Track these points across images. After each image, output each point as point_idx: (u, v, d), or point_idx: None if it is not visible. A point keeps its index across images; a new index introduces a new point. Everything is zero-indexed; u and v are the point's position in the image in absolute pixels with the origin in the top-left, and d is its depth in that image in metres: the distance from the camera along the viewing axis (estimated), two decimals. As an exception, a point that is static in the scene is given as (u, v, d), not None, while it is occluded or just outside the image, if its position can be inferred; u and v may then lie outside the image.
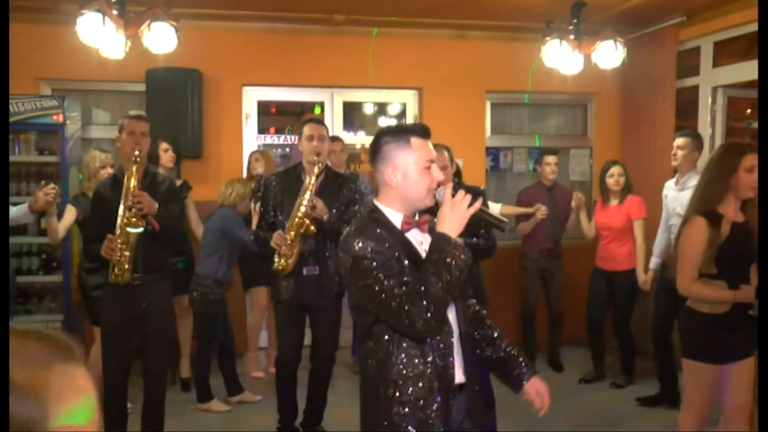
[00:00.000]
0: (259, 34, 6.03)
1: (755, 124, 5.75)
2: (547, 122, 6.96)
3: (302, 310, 4.05)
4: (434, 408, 2.08)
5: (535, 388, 2.33)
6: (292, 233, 3.82)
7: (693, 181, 4.25)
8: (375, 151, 2.20)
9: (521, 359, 2.35)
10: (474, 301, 2.38)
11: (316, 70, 6.11)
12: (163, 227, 3.62)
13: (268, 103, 6.58)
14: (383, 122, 7.04)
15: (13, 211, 3.99)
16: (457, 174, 4.76)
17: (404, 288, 2.01)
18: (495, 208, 5.39)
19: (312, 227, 3.79)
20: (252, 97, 6.30)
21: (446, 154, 3.83)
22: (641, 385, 5.23)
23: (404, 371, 2.08)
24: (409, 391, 2.08)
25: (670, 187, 4.79)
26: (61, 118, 5.21)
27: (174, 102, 5.56)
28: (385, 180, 2.17)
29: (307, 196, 3.80)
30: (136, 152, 3.55)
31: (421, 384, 2.08)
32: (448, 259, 1.99)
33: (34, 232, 5.32)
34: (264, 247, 3.98)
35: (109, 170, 4.47)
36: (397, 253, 2.06)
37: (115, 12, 4.40)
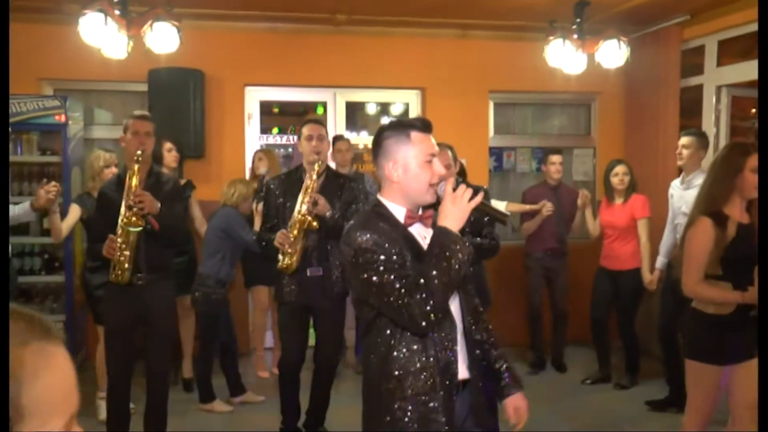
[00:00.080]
0: (261, 33, 6.02)
1: (760, 124, 5.71)
2: (550, 122, 6.94)
3: (306, 310, 4.04)
4: (437, 403, 2.07)
5: (514, 405, 2.31)
6: (295, 231, 3.82)
7: (698, 179, 4.23)
8: (376, 146, 2.21)
9: (507, 372, 2.34)
10: (477, 301, 2.36)
11: (318, 69, 6.10)
12: (166, 227, 3.61)
13: (270, 103, 6.57)
14: (386, 122, 7.03)
15: (15, 209, 3.99)
16: (462, 173, 4.74)
17: (404, 281, 2.00)
18: (500, 206, 5.37)
19: (314, 223, 3.79)
20: (254, 97, 6.29)
21: (449, 153, 3.82)
22: (646, 386, 5.20)
23: (406, 366, 2.07)
24: (411, 386, 2.07)
25: (675, 186, 4.77)
26: (63, 118, 5.21)
27: (176, 102, 5.56)
28: (386, 175, 2.17)
29: (309, 192, 3.80)
30: (139, 152, 3.55)
31: (423, 379, 2.07)
32: (449, 253, 1.99)
33: (37, 232, 5.32)
34: (268, 249, 3.97)
35: (114, 170, 4.48)
36: (399, 247, 2.06)
37: (117, 12, 4.40)
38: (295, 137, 6.26)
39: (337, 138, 5.74)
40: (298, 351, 4.07)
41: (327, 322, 4.08)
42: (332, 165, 5.63)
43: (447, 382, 2.09)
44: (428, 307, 1.97)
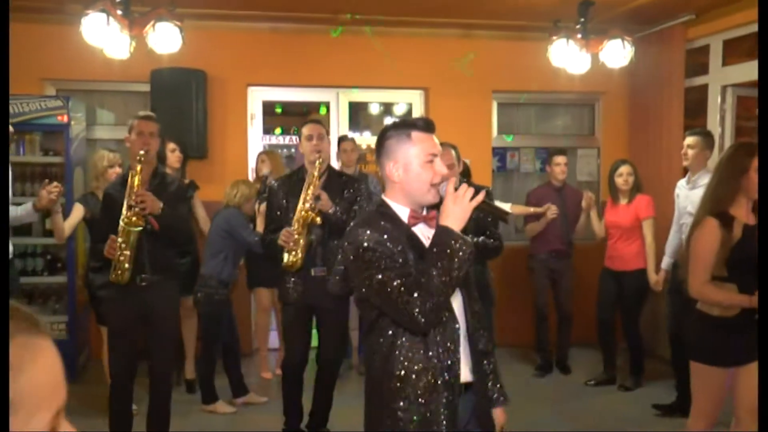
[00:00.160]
0: (264, 34, 6.01)
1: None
2: (554, 122, 6.91)
3: (309, 311, 4.03)
4: (438, 405, 2.07)
5: (495, 417, 2.30)
6: (298, 227, 3.82)
7: (704, 179, 4.20)
8: (379, 146, 2.21)
9: (495, 383, 2.32)
10: (479, 306, 2.34)
11: (321, 70, 6.08)
12: (168, 227, 3.61)
13: (273, 103, 6.56)
14: (389, 122, 7.02)
15: (18, 210, 3.99)
16: (466, 173, 4.73)
17: (405, 280, 2.00)
18: (505, 207, 5.34)
19: (317, 219, 3.80)
20: (257, 97, 6.28)
21: (453, 152, 3.81)
22: (650, 387, 5.18)
23: (408, 366, 2.07)
24: (413, 386, 2.06)
25: (681, 186, 4.75)
26: (65, 118, 5.20)
27: (179, 102, 5.55)
28: (387, 174, 2.17)
29: (311, 190, 3.81)
30: (141, 152, 3.55)
31: (425, 379, 2.06)
32: (450, 252, 1.98)
33: (39, 232, 5.32)
34: (272, 249, 3.97)
35: (117, 170, 4.49)
36: (401, 247, 2.06)
37: (119, 12, 4.39)
38: (298, 138, 6.29)
39: (343, 138, 5.74)
40: (301, 352, 4.07)
41: (331, 322, 4.06)
42: (337, 165, 5.64)
43: (449, 384, 2.08)
44: (428, 306, 1.97)
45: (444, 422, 2.07)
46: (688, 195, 4.58)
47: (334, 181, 4.01)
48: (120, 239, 3.51)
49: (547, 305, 5.69)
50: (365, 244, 2.03)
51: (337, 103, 6.44)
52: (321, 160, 3.87)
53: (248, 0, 5.43)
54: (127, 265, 3.55)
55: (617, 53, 5.07)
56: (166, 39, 4.51)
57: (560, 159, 5.60)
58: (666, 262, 4.91)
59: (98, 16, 4.25)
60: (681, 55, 5.75)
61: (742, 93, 5.65)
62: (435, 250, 2.01)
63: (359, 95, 6.56)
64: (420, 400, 2.06)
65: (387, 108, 6.97)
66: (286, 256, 3.87)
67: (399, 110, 6.90)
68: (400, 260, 2.04)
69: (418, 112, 6.51)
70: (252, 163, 6.00)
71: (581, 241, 5.79)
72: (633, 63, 5.20)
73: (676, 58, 5.76)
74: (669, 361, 5.12)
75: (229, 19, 5.84)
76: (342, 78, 6.17)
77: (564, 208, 5.49)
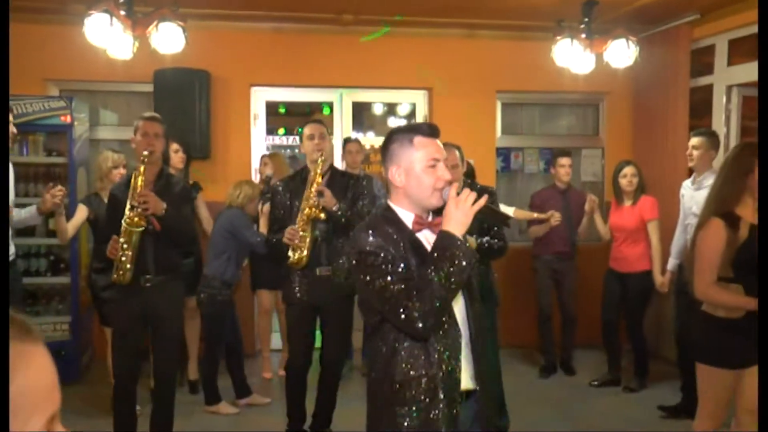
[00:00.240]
0: (267, 34, 6.00)
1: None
2: (558, 122, 6.89)
3: (314, 311, 4.03)
4: (437, 411, 2.07)
5: None
6: (303, 224, 3.83)
7: (709, 180, 4.18)
8: (384, 151, 2.23)
9: None
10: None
11: (324, 70, 6.07)
12: (170, 228, 3.60)
13: (276, 103, 6.55)
14: (393, 123, 7.00)
15: (21, 212, 3.99)
16: (470, 174, 4.71)
17: (405, 285, 2.01)
18: (508, 212, 5.32)
19: (321, 215, 3.81)
20: (260, 97, 6.27)
21: (457, 153, 3.81)
22: (655, 389, 5.16)
23: (408, 371, 2.08)
24: (413, 392, 2.07)
25: (686, 187, 4.72)
26: (68, 119, 5.20)
27: (182, 102, 5.54)
28: (390, 179, 2.19)
29: (314, 186, 3.83)
30: (145, 153, 3.55)
31: (424, 385, 2.07)
32: (450, 257, 1.99)
33: (42, 233, 5.32)
34: (277, 250, 3.96)
35: (122, 171, 4.49)
36: (404, 252, 2.07)
37: (122, 12, 4.38)
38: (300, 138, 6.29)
39: (348, 140, 5.74)
40: (305, 353, 4.06)
41: (335, 322, 4.06)
42: (342, 167, 5.63)
43: (449, 391, 2.09)
44: (427, 311, 1.97)
45: (443, 428, 2.08)
46: (693, 195, 4.56)
47: (336, 181, 4.02)
48: (122, 239, 3.52)
49: (551, 306, 5.66)
50: (367, 248, 2.05)
51: (341, 104, 6.43)
52: (323, 158, 3.88)
53: (251, 0, 5.42)
54: (129, 266, 3.55)
55: (622, 53, 5.04)
56: (169, 39, 4.50)
57: (565, 161, 5.58)
58: (671, 263, 4.89)
59: (101, 17, 4.25)
60: (686, 55, 5.72)
61: (748, 93, 5.61)
62: (436, 255, 2.02)
63: (362, 95, 6.55)
64: (419, 405, 2.07)
65: (390, 108, 6.95)
66: (291, 253, 3.87)
67: (402, 110, 6.89)
68: (402, 266, 2.04)
69: (421, 113, 6.50)
70: (255, 164, 5.99)
71: (585, 242, 5.77)
72: (637, 63, 5.18)
73: (681, 57, 5.73)
74: (674, 362, 5.11)
75: (233, 20, 5.83)
76: (345, 78, 6.16)
77: (568, 210, 5.47)
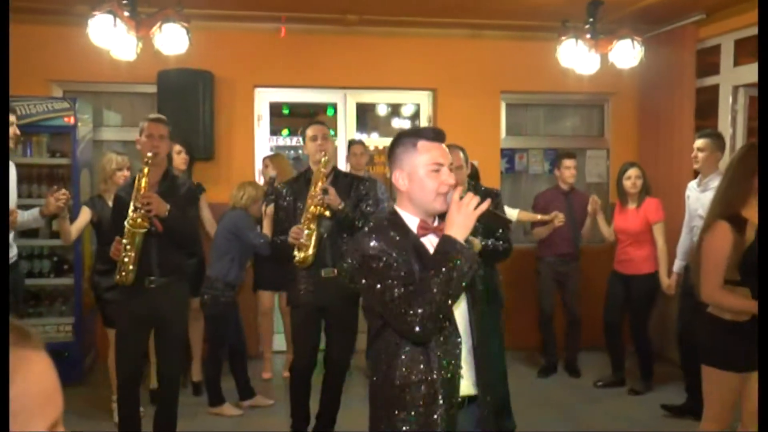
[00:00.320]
0: (271, 34, 5.98)
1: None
2: (563, 123, 6.86)
3: (319, 313, 4.01)
4: (437, 416, 2.08)
5: None
6: (308, 222, 3.82)
7: (715, 182, 4.15)
8: (389, 155, 2.25)
9: None
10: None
11: (328, 70, 6.06)
12: (173, 229, 3.60)
13: (280, 104, 6.54)
14: (397, 123, 6.98)
15: (24, 215, 3.99)
16: (474, 176, 4.69)
17: (405, 289, 2.01)
18: (512, 214, 5.32)
19: (326, 213, 3.82)
20: (264, 98, 6.26)
21: (461, 154, 3.79)
22: (660, 391, 5.13)
23: (408, 376, 2.09)
24: (412, 395, 2.08)
25: (692, 188, 4.70)
26: (72, 120, 5.20)
27: (185, 103, 5.53)
28: (394, 183, 2.20)
29: (319, 185, 3.83)
30: (149, 154, 3.56)
31: (424, 389, 2.07)
32: (450, 262, 1.99)
33: (46, 234, 5.31)
34: (283, 250, 3.95)
35: (126, 173, 4.48)
36: (406, 256, 2.08)
37: (126, 13, 4.37)
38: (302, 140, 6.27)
39: (353, 142, 5.73)
40: (310, 355, 4.06)
41: (340, 325, 4.05)
42: (346, 168, 5.62)
43: (449, 396, 2.09)
44: (425, 315, 1.97)
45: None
46: (699, 197, 4.53)
47: (340, 182, 4.02)
48: (125, 240, 3.52)
49: (552, 308, 5.65)
50: (370, 252, 2.06)
51: (345, 104, 6.41)
52: (326, 157, 3.89)
53: (255, 1, 5.41)
54: (131, 267, 3.55)
55: (627, 53, 5.01)
56: (172, 40, 4.49)
57: (570, 162, 5.56)
58: (677, 265, 4.86)
59: (105, 18, 4.23)
60: (692, 55, 5.70)
61: (754, 93, 5.57)
62: (436, 259, 2.03)
63: (366, 96, 6.53)
64: (418, 409, 2.08)
65: (395, 109, 6.93)
66: (296, 253, 3.86)
67: (407, 111, 6.86)
68: (404, 270, 2.05)
69: (426, 113, 6.48)
70: (259, 165, 5.98)
71: (588, 244, 5.75)
72: (643, 63, 5.14)
73: (687, 58, 5.71)
74: (678, 364, 5.08)
75: (236, 20, 5.82)
76: (349, 79, 6.15)
77: (572, 212, 5.45)
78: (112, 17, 4.22)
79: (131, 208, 3.51)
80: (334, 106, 6.47)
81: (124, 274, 3.56)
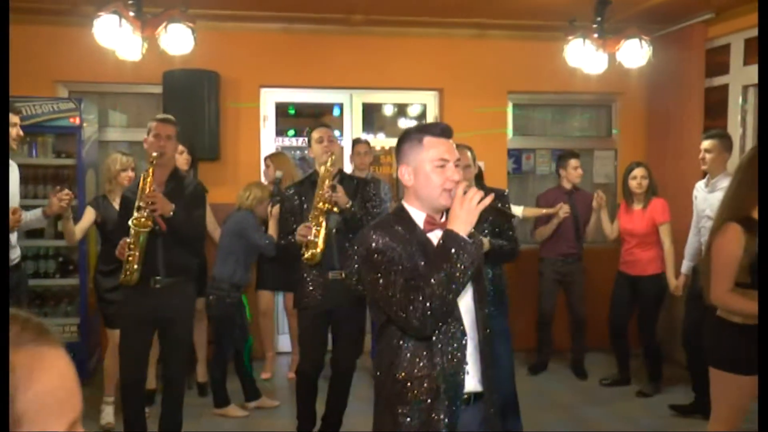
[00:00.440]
0: (276, 34, 5.97)
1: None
2: (570, 123, 6.82)
3: (327, 315, 4.00)
4: (440, 411, 2.08)
5: None
6: (316, 217, 3.82)
7: (723, 182, 4.12)
8: (396, 151, 2.26)
9: None
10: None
11: (334, 70, 6.04)
12: (177, 229, 3.59)
13: (286, 104, 6.53)
14: (403, 124, 6.95)
15: (27, 215, 3.98)
16: (479, 177, 4.66)
17: (407, 283, 2.02)
18: (517, 210, 5.31)
19: (335, 208, 3.82)
20: (270, 98, 6.24)
21: (469, 153, 3.78)
22: (670, 393, 5.09)
23: (411, 371, 2.10)
24: (415, 391, 2.09)
25: (700, 189, 4.66)
26: (77, 120, 5.19)
27: (191, 104, 5.51)
28: (400, 178, 2.22)
29: (327, 183, 3.82)
30: (155, 154, 3.56)
31: (426, 385, 2.08)
32: (453, 256, 1.99)
33: (51, 235, 5.32)
34: (291, 249, 3.94)
35: (130, 173, 4.47)
36: (411, 251, 2.09)
37: (131, 14, 4.36)
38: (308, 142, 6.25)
39: (357, 141, 5.69)
40: (317, 358, 4.05)
41: (347, 327, 4.04)
42: (350, 168, 5.60)
43: (452, 392, 2.09)
44: (427, 310, 1.98)
45: (444, 429, 2.08)
46: (707, 198, 4.50)
47: (346, 185, 4.00)
48: (129, 240, 3.52)
49: (553, 309, 5.63)
50: (374, 246, 2.07)
51: (351, 105, 6.39)
52: (333, 157, 3.89)
53: (261, 1, 5.40)
54: (135, 266, 3.55)
55: (635, 53, 4.97)
56: (178, 40, 4.48)
57: (576, 162, 5.54)
58: (685, 266, 4.82)
59: (110, 18, 4.23)
60: (700, 55, 5.65)
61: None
62: (438, 254, 2.03)
63: (373, 96, 6.50)
64: (421, 405, 2.08)
65: (401, 109, 6.90)
66: (304, 250, 3.85)
67: (413, 111, 6.84)
68: (408, 265, 2.06)
69: (432, 114, 6.45)
70: (264, 166, 5.95)
71: (592, 244, 5.72)
72: (651, 63, 5.10)
73: (696, 57, 5.66)
74: (685, 365, 5.04)
75: (242, 20, 5.81)
76: (355, 79, 6.12)
77: (575, 211, 5.44)
78: (117, 17, 4.21)
79: (135, 207, 3.51)
80: (340, 107, 6.45)
81: (128, 273, 3.56)
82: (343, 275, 3.89)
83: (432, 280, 1.98)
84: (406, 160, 2.18)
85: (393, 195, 5.73)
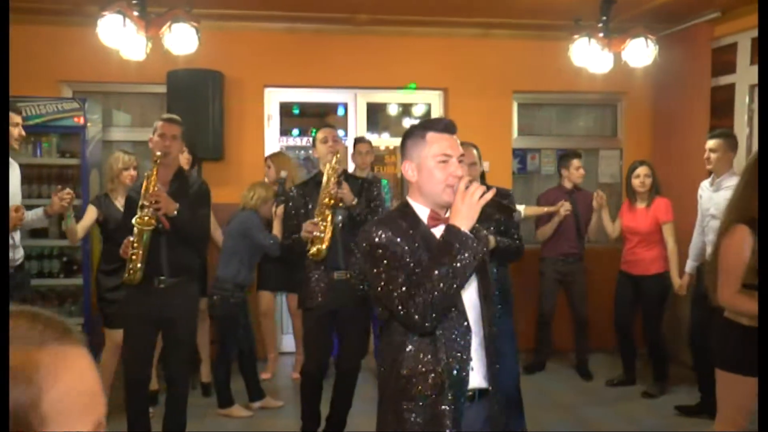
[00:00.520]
0: (281, 34, 5.96)
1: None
2: (575, 123, 6.80)
3: (331, 316, 3.99)
4: (444, 407, 2.07)
5: None
6: (322, 212, 3.81)
7: (728, 181, 4.10)
8: (401, 147, 2.27)
9: None
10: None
11: (338, 70, 6.03)
12: (180, 228, 3.59)
13: (290, 104, 6.52)
14: (408, 123, 6.94)
15: (29, 214, 3.98)
16: (481, 177, 4.65)
17: (409, 279, 2.02)
18: (519, 209, 5.29)
19: (340, 204, 3.82)
20: (274, 98, 6.24)
21: (474, 151, 3.78)
22: (676, 394, 5.06)
23: (415, 367, 2.09)
24: (419, 387, 2.08)
25: (705, 188, 4.64)
26: (82, 120, 5.20)
27: (195, 103, 5.49)
28: (404, 174, 2.22)
29: (332, 180, 3.83)
30: (159, 153, 3.57)
31: (431, 380, 2.07)
32: (454, 251, 1.99)
33: (55, 235, 5.33)
34: (297, 248, 3.93)
35: (132, 172, 4.47)
36: (414, 246, 2.08)
37: (135, 13, 4.36)
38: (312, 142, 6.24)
39: (358, 140, 5.67)
40: (321, 358, 4.04)
41: (352, 327, 4.04)
42: (351, 167, 5.59)
43: (456, 388, 2.08)
44: (427, 305, 1.97)
45: (449, 425, 2.06)
46: (712, 197, 4.48)
47: (351, 184, 3.99)
48: (133, 239, 3.52)
49: (553, 310, 5.61)
50: (376, 241, 2.07)
51: (355, 104, 6.38)
52: (338, 155, 3.90)
53: (265, 0, 5.39)
54: (139, 265, 3.54)
55: (640, 52, 4.95)
56: (182, 40, 4.47)
57: (579, 162, 5.54)
58: (690, 265, 4.80)
59: (114, 18, 4.22)
60: (707, 54, 5.63)
61: (771, 92, 5.49)
62: (439, 248, 2.03)
63: (377, 96, 6.49)
64: (426, 400, 2.08)
65: (405, 109, 6.88)
66: (310, 246, 3.84)
67: (418, 111, 6.82)
68: (410, 260, 2.05)
69: (437, 113, 6.44)
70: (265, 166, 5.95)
71: (593, 244, 5.70)
72: (657, 62, 5.07)
73: (702, 56, 5.64)
74: (690, 365, 5.02)
75: (246, 20, 5.80)
76: (360, 78, 6.11)
77: (575, 211, 5.41)
78: (121, 17, 4.21)
79: (139, 206, 3.51)
80: (345, 106, 6.44)
81: (132, 272, 3.55)
82: (348, 276, 3.89)
83: (433, 276, 1.97)
84: (410, 155, 2.18)
85: (396, 193, 5.71)
